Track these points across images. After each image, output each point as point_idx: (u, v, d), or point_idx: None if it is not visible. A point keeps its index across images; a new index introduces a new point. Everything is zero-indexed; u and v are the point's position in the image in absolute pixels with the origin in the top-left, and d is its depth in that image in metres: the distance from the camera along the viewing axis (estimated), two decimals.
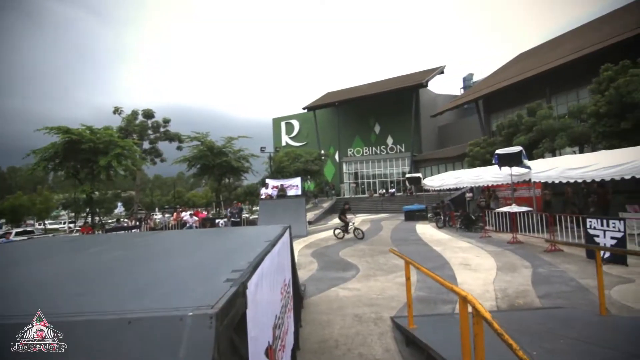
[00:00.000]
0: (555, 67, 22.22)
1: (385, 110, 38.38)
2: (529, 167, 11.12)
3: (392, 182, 37.91)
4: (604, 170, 8.97)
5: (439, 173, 26.42)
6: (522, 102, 22.19)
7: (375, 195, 33.98)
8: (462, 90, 48.71)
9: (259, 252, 1.71)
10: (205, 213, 25.57)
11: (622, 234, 6.83)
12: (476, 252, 8.85)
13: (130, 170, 17.53)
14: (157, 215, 27.60)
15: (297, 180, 19.12)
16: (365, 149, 40.00)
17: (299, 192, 18.18)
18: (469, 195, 18.30)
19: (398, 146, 38.37)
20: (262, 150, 26.42)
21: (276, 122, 46.99)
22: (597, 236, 7.27)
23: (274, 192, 16.92)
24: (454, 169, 27.66)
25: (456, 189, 18.75)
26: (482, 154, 20.84)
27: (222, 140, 24.25)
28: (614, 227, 6.97)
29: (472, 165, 21.14)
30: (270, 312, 1.67)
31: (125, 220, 25.19)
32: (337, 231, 12.60)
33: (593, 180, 9.57)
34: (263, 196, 16.88)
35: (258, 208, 17.04)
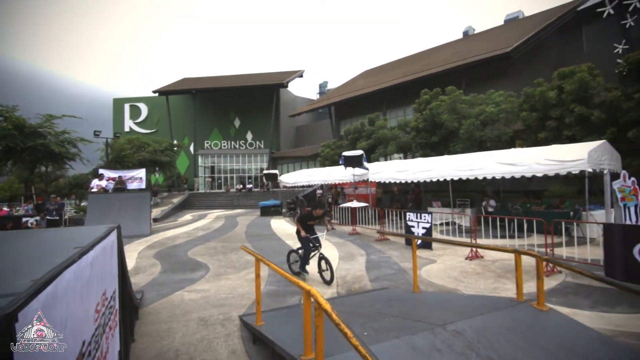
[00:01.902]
0: (390, 87, 26.45)
1: (246, 105, 37.99)
2: (367, 169, 12.82)
3: (249, 177, 37.85)
4: (420, 174, 11.14)
5: (295, 170, 27.84)
6: (365, 112, 25.53)
7: (232, 190, 33.23)
8: (318, 95, 52.69)
9: (57, 263, 1.30)
10: (7, 210, 19.79)
11: (429, 224, 8.58)
12: (323, 244, 9.61)
13: None
14: None
15: (141, 172, 16.78)
16: (224, 143, 38.66)
17: (143, 186, 16.04)
18: (319, 192, 19.85)
19: (257, 142, 38.60)
20: (97, 134, 22.14)
21: (118, 103, 40.27)
22: (413, 226, 8.93)
23: (110, 185, 14.42)
24: (308, 167, 29.59)
25: (309, 186, 20.06)
26: (331, 155, 22.94)
27: (40, 117, 19.26)
28: (424, 219, 8.70)
29: (323, 164, 23.04)
30: (71, 342, 1.29)
31: None
32: (291, 258, 6.85)
33: (412, 181, 11.78)
34: (95, 189, 14.16)
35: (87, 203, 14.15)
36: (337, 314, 1.97)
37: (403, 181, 12.03)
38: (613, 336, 3.59)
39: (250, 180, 36.78)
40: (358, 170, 12.92)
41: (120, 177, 15.04)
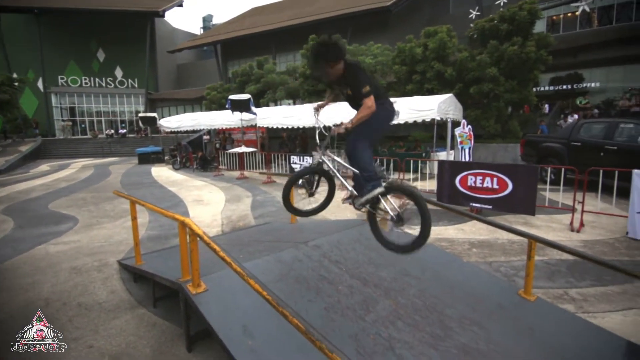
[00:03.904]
0: (279, 29, 25.64)
1: (112, 34, 31.84)
2: (255, 114, 12.79)
3: (122, 121, 33.28)
4: (306, 120, 11.69)
5: (177, 114, 25.60)
6: (254, 54, 24.44)
7: (101, 136, 28.99)
8: (202, 31, 47.56)
9: None
10: None
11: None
12: (209, 189, 9.63)
13: None
14: None
15: None
16: (85, 79, 32.39)
17: None
18: (206, 137, 19.05)
19: (130, 80, 33.55)
20: None
21: None
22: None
23: None
24: (193, 111, 27.52)
25: (194, 131, 18.99)
26: (218, 98, 21.77)
27: None
28: (306, 161, 9.44)
29: (209, 108, 21.79)
30: None
31: None
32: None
33: (299, 127, 12.33)
34: None
35: None
36: (211, 239, 2.27)
37: (290, 127, 12.48)
38: (432, 242, 4.85)
39: (123, 125, 32.44)
40: (246, 115, 12.78)
41: None
